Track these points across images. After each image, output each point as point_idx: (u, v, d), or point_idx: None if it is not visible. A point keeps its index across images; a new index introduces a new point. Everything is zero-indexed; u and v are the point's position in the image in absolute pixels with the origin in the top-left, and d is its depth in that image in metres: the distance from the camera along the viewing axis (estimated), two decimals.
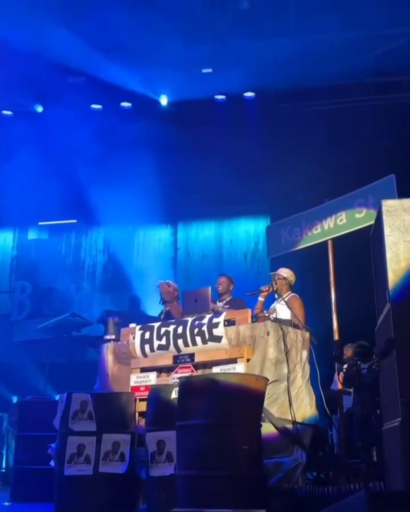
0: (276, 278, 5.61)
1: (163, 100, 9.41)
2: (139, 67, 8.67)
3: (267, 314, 4.72)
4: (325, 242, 5.77)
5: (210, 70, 8.66)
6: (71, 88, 9.15)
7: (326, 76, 8.75)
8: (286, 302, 5.28)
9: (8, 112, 10.01)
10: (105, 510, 4.36)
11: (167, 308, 6.36)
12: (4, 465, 7.69)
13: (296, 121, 8.95)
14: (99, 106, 9.64)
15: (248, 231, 10.35)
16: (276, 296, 5.30)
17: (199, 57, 8.62)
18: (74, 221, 10.97)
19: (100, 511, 4.35)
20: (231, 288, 6.11)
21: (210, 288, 5.27)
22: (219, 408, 3.57)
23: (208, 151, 9.30)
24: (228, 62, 8.51)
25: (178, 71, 8.76)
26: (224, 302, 5.98)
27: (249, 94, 9.15)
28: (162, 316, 6.32)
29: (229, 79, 8.83)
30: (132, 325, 5.43)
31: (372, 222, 4.57)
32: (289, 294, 5.56)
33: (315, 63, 8.49)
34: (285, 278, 5.62)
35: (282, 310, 5.24)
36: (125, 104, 9.53)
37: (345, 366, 5.18)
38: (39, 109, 9.74)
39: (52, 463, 4.81)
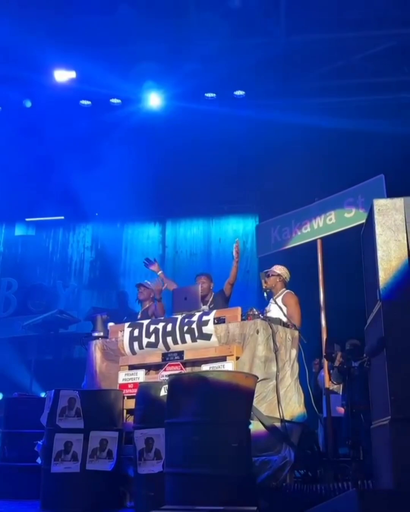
0: (270, 274, 5.59)
1: (153, 97, 9.38)
2: (128, 63, 8.62)
3: (256, 312, 4.72)
4: (314, 241, 5.79)
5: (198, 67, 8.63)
6: (60, 84, 9.08)
7: (316, 76, 8.78)
8: (281, 299, 5.27)
9: None
10: (93, 508, 4.34)
11: (145, 307, 6.37)
12: None
13: (286, 120, 8.95)
14: (88, 102, 9.58)
15: (236, 230, 10.37)
16: (265, 295, 5.30)
17: (189, 55, 8.61)
18: (62, 217, 10.90)
19: (87, 508, 4.33)
20: (211, 287, 6.05)
21: (200, 286, 5.27)
22: (208, 406, 3.57)
23: (197, 149, 9.29)
24: (218, 60, 8.51)
25: (167, 68, 8.74)
26: (208, 303, 5.87)
27: (239, 92, 9.14)
28: (139, 316, 6.30)
29: (219, 77, 8.83)
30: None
31: (361, 221, 4.60)
32: (284, 290, 5.56)
33: (305, 62, 8.52)
34: (279, 275, 5.61)
35: (274, 308, 5.24)
36: (114, 100, 9.48)
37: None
38: (28, 104, 9.65)
39: (38, 460, 4.79)
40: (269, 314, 5.00)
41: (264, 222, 6.54)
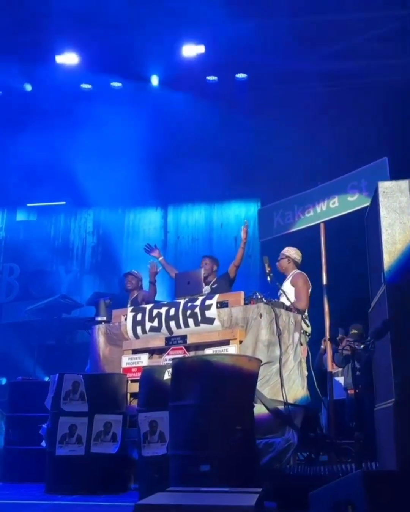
0: (280, 257, 5.60)
1: (154, 80, 9.29)
2: (129, 46, 8.53)
3: (260, 296, 4.72)
4: (317, 225, 5.77)
5: (202, 51, 8.54)
6: (61, 67, 9.00)
7: (318, 58, 8.69)
8: (290, 280, 5.26)
9: None
10: (97, 490, 4.38)
11: (134, 296, 6.38)
12: None
13: (288, 104, 8.88)
14: (89, 86, 9.49)
15: (238, 215, 10.32)
16: (268, 279, 5.27)
17: (191, 37, 8.52)
18: (63, 203, 10.86)
19: (92, 491, 4.37)
20: (214, 269, 6.06)
21: (202, 270, 5.26)
22: (212, 389, 3.58)
23: (199, 133, 9.22)
24: (220, 42, 8.42)
25: (169, 50, 8.65)
26: (210, 284, 5.89)
27: (241, 75, 9.05)
28: (128, 305, 6.30)
29: (221, 60, 8.74)
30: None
31: (364, 205, 4.58)
32: (294, 271, 5.55)
33: (307, 44, 8.43)
34: (288, 257, 5.61)
35: (290, 291, 5.24)
36: (115, 84, 9.39)
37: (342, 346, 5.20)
38: (28, 87, 9.58)
39: (43, 443, 4.82)
40: (282, 297, 5.00)
41: (267, 206, 6.52)
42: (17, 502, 4.21)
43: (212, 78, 9.18)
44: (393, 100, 8.45)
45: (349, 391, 5.26)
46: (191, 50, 8.57)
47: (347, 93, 8.88)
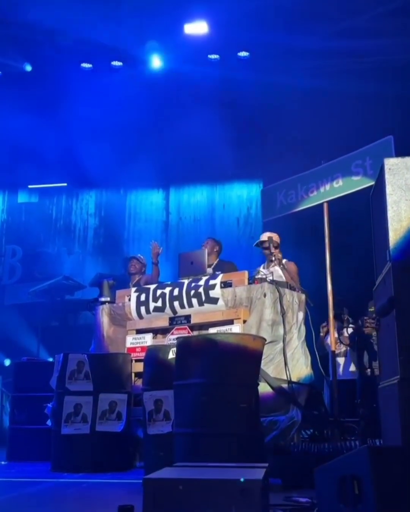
0: (275, 245, 5.54)
1: (155, 59, 9.17)
2: (130, 24, 8.41)
3: (264, 276, 4.71)
4: (321, 205, 5.73)
5: (204, 29, 8.41)
6: (61, 46, 8.88)
7: (322, 37, 8.57)
8: (284, 265, 5.24)
9: None
10: (103, 468, 4.43)
11: (136, 280, 6.36)
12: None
13: (291, 83, 8.78)
14: (89, 65, 9.38)
15: (240, 196, 10.28)
16: (274, 259, 5.23)
17: (192, 14, 8.39)
18: (65, 184, 10.81)
19: (98, 469, 4.42)
20: (215, 249, 6.02)
21: (206, 250, 5.25)
22: (217, 367, 3.59)
23: (200, 114, 9.13)
24: (222, 21, 8.30)
25: (170, 28, 8.52)
26: (212, 267, 5.85)
27: (243, 53, 8.93)
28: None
29: (223, 38, 8.62)
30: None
31: (368, 185, 4.55)
32: (284, 260, 5.52)
33: (311, 22, 8.30)
34: (277, 242, 5.59)
35: (279, 273, 5.22)
36: (116, 63, 9.28)
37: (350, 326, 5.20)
38: (28, 68, 9.47)
39: (48, 422, 4.86)
40: (274, 278, 4.98)
41: (270, 186, 6.46)
42: (24, 480, 4.26)
43: (213, 56, 9.06)
44: (398, 78, 8.35)
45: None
46: (193, 28, 8.45)
47: (352, 72, 8.77)
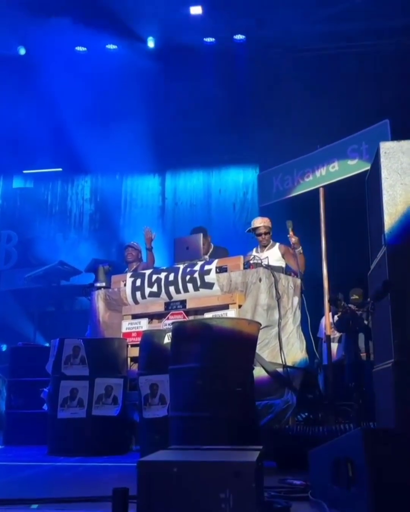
0: (268, 231, 5.51)
1: (151, 43, 9.07)
2: (125, 7, 8.30)
3: (259, 261, 4.71)
4: (316, 190, 5.72)
5: (199, 11, 8.32)
6: (55, 29, 8.77)
7: (318, 20, 8.48)
8: (280, 250, 5.21)
9: None
10: (99, 452, 4.45)
11: (133, 268, 6.34)
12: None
13: (287, 66, 8.71)
14: (84, 49, 9.27)
15: (236, 181, 10.24)
16: (293, 243, 5.20)
17: None
18: (60, 169, 10.75)
19: (94, 452, 4.45)
20: (207, 241, 5.95)
21: (201, 235, 5.23)
22: (212, 352, 3.60)
23: (196, 99, 9.07)
24: (217, 3, 8.20)
25: (165, 10, 8.42)
26: (208, 254, 5.80)
27: (239, 36, 8.84)
28: None
29: (218, 20, 8.53)
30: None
31: (364, 169, 4.53)
32: (276, 243, 5.51)
33: (307, 6, 8.21)
34: (270, 228, 5.56)
35: (273, 258, 5.21)
36: (111, 46, 9.17)
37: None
38: (22, 51, 9.35)
39: (44, 407, 4.88)
40: (269, 263, 4.97)
41: (266, 171, 6.46)
42: (20, 463, 4.29)
43: (209, 40, 8.97)
44: (394, 62, 8.29)
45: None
46: (190, 11, 8.35)
47: (347, 56, 8.71)
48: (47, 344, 7.27)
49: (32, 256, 10.15)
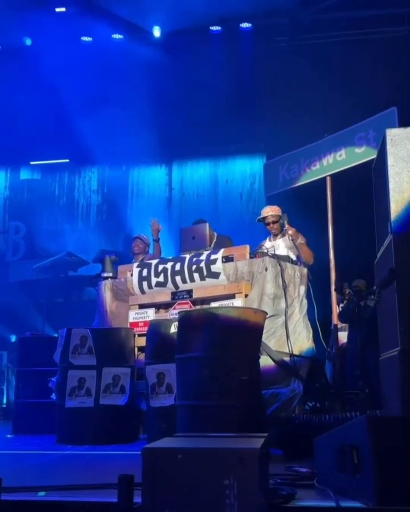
0: (275, 220, 5.47)
1: (156, 32, 9.02)
2: None
3: (265, 250, 4.70)
4: (323, 179, 5.68)
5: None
6: (61, 19, 8.74)
7: (325, 7, 8.40)
8: (290, 236, 5.17)
9: None
10: (107, 441, 4.48)
11: (139, 260, 6.34)
12: (4, 400, 7.86)
13: (293, 54, 8.63)
14: (89, 39, 9.23)
15: (243, 171, 10.20)
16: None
17: None
18: (66, 160, 10.75)
19: (102, 441, 4.47)
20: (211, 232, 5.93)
21: (207, 225, 5.22)
22: (218, 341, 3.61)
23: (203, 88, 9.01)
24: None
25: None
26: (212, 244, 5.76)
27: (245, 25, 8.76)
28: None
29: (224, 8, 8.45)
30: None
31: (372, 157, 4.50)
32: (290, 229, 5.46)
33: None
34: (280, 216, 5.52)
35: (281, 247, 5.20)
36: (116, 36, 9.13)
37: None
38: (28, 42, 9.33)
39: (53, 396, 4.91)
40: (277, 252, 4.96)
41: (272, 160, 6.42)
42: (29, 452, 4.33)
43: (215, 28, 8.90)
44: (402, 49, 8.20)
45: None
46: None
47: (355, 43, 8.62)
48: (55, 335, 7.32)
49: (40, 247, 10.20)
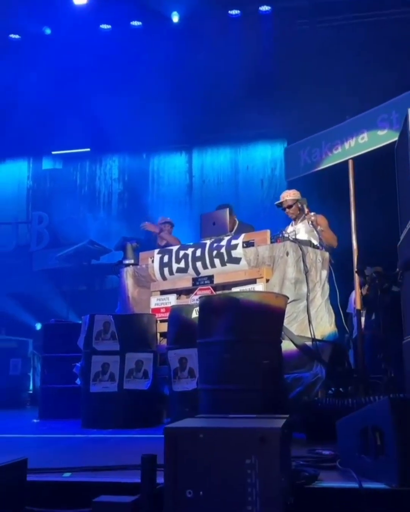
0: (290, 204, 5.44)
1: (175, 18, 8.96)
2: None
3: (286, 235, 4.67)
4: (345, 162, 5.62)
5: None
6: (79, 8, 8.73)
7: None
8: (311, 220, 5.13)
9: (16, 36, 9.63)
10: (131, 425, 4.53)
11: (164, 243, 6.35)
12: (31, 386, 8.00)
13: (313, 36, 8.51)
14: (108, 26, 9.21)
15: (264, 157, 10.13)
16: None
17: None
18: (88, 149, 10.80)
19: (126, 425, 4.53)
20: (233, 219, 5.89)
21: (227, 210, 5.21)
22: (239, 325, 3.61)
23: (222, 73, 8.94)
24: None
25: None
26: (233, 231, 5.69)
27: (265, 8, 8.65)
28: None
29: None
30: None
31: (394, 139, 4.42)
32: (310, 213, 5.42)
33: None
34: (298, 201, 5.48)
35: (302, 231, 5.17)
36: (135, 23, 9.09)
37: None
38: (47, 31, 9.35)
39: (77, 381, 4.98)
40: (297, 236, 4.92)
41: (293, 144, 6.35)
42: (55, 436, 4.41)
43: (234, 12, 8.81)
44: None
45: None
46: None
47: (376, 24, 8.46)
48: (80, 322, 7.40)
49: (63, 236, 10.29)
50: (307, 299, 4.44)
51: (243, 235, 4.84)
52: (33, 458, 2.46)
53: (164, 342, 4.86)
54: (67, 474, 2.67)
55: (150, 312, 5.12)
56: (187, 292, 5.07)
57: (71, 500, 2.48)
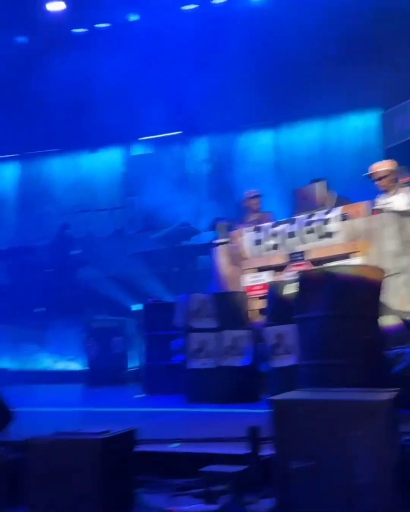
0: (383, 175, 5.16)
1: None
2: None
3: (382, 207, 4.50)
4: None
5: None
6: None
7: None
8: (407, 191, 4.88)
9: (105, 25, 9.85)
10: (231, 400, 4.60)
11: (254, 218, 6.25)
12: (136, 364, 8.28)
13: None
14: (191, 7, 9.17)
15: (356, 127, 9.69)
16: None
17: None
18: (179, 132, 10.91)
19: (226, 401, 4.60)
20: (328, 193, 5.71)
21: (317, 185, 5.08)
22: (336, 300, 3.54)
23: (311, 42, 8.64)
24: None
25: None
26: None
27: None
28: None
29: None
30: None
31: None
32: (406, 187, 5.17)
33: None
34: (393, 171, 5.19)
35: (397, 203, 4.95)
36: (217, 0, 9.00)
37: None
38: (134, 18, 9.49)
39: (174, 358, 5.12)
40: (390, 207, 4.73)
41: (390, 109, 6.03)
42: (160, 409, 4.58)
43: None
44: None
45: None
46: None
47: None
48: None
49: (156, 219, 10.50)
50: (408, 272, 4.27)
51: (337, 209, 4.72)
52: (140, 430, 2.57)
53: (258, 319, 4.87)
54: (175, 445, 2.77)
55: (242, 290, 5.14)
56: (281, 268, 5.03)
57: (179, 470, 2.57)
